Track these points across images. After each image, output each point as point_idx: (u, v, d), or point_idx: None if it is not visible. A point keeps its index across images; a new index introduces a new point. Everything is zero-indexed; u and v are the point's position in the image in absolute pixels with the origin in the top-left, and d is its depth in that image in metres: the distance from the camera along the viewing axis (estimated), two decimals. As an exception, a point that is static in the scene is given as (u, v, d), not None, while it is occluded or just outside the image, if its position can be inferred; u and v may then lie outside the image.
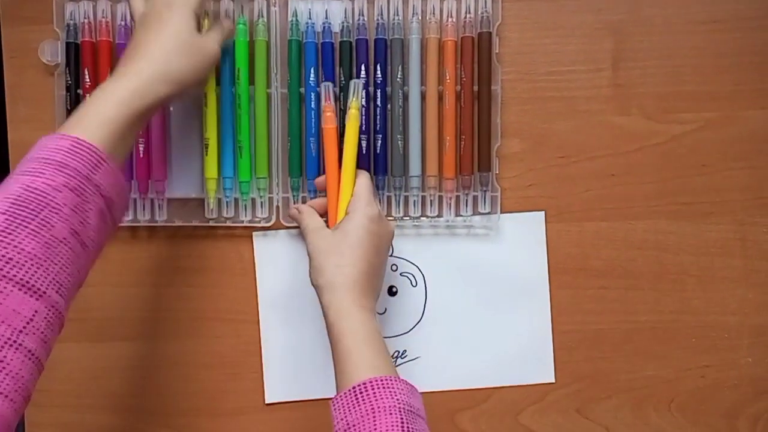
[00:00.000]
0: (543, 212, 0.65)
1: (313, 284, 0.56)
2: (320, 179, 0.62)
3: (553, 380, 0.65)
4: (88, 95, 0.63)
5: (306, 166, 0.63)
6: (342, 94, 0.62)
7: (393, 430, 0.45)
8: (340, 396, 0.49)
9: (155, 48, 0.51)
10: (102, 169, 0.46)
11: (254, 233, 0.65)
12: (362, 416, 0.47)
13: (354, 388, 0.48)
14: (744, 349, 0.65)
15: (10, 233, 0.41)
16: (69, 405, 0.66)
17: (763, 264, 0.65)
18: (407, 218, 0.64)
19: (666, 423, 0.65)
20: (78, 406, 0.66)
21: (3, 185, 0.44)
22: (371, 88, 0.62)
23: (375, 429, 0.45)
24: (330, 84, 0.60)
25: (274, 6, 0.62)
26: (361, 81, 0.61)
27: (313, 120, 0.62)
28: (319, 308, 0.64)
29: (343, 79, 0.62)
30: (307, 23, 0.63)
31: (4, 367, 0.39)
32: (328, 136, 0.60)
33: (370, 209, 0.57)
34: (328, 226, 0.59)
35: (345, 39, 0.62)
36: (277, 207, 0.63)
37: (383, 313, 0.65)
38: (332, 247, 0.55)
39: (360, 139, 0.62)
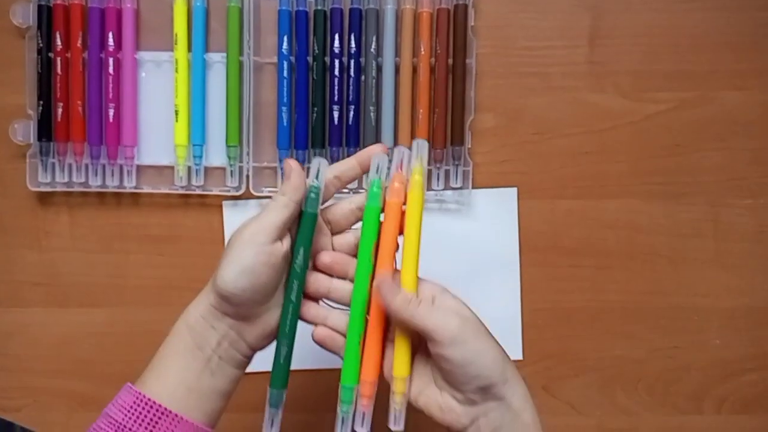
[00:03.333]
0: (515, 188, 0.64)
1: (484, 383, 0.44)
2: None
3: (521, 357, 0.65)
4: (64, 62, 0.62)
5: (278, 136, 0.63)
6: (315, 63, 0.62)
7: None
8: None
9: None
10: (162, 425, 0.44)
11: (224, 202, 0.64)
12: None
13: None
14: (713, 331, 0.65)
15: None
16: (36, 370, 0.65)
17: (735, 246, 0.65)
18: (378, 191, 0.63)
19: (633, 402, 0.65)
20: (45, 371, 0.66)
21: None
22: (345, 59, 0.62)
23: None
24: (405, 150, 0.47)
25: (249, -27, 0.62)
26: (426, 143, 0.47)
27: (285, 89, 0.62)
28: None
29: (317, 49, 0.62)
30: (281, -9, 0.62)
31: None
32: (391, 211, 0.46)
33: None
34: None
35: (319, 8, 0.62)
36: (247, 176, 0.63)
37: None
38: (483, 331, 0.47)
39: (332, 110, 0.62)
